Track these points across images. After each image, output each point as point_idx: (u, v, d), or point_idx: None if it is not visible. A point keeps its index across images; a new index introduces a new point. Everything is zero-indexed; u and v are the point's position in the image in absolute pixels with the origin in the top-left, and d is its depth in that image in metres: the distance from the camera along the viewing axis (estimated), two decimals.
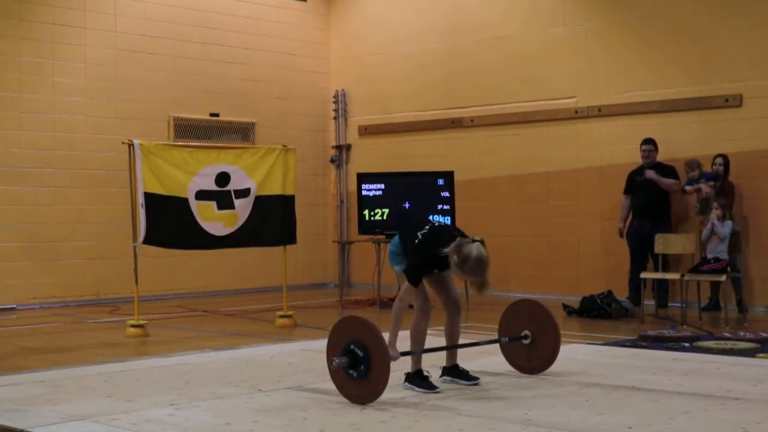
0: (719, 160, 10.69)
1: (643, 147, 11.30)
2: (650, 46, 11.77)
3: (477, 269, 5.67)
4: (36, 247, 11.93)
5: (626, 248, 11.44)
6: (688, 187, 10.91)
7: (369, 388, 5.59)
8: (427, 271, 5.99)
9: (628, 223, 11.44)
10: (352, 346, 5.63)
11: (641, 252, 11.20)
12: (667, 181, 11.13)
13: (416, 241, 5.97)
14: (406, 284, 5.93)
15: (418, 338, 6.02)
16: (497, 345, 6.69)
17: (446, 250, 5.74)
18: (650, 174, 11.14)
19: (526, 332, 6.53)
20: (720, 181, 10.62)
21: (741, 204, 10.88)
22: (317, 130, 14.82)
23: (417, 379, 6.00)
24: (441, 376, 6.27)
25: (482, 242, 5.75)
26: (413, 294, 5.95)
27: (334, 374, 5.78)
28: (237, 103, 13.76)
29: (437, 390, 5.93)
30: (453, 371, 6.28)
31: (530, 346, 6.55)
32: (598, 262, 12.11)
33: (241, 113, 13.82)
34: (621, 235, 11.46)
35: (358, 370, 5.60)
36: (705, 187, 10.56)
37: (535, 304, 6.64)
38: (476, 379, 6.23)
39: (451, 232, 5.99)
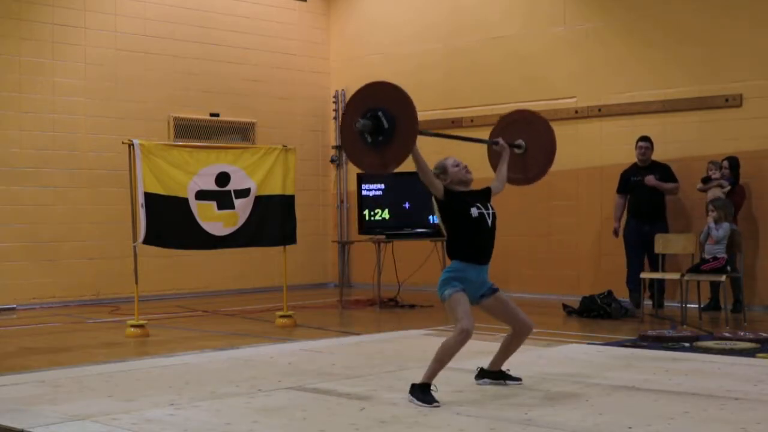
0: (725, 162, 10.63)
1: (640, 144, 11.14)
2: (650, 46, 11.77)
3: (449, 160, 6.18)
4: (36, 247, 11.93)
5: None
6: (701, 185, 10.79)
7: (385, 156, 5.48)
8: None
9: (624, 223, 11.39)
10: (379, 113, 5.47)
11: (639, 252, 11.10)
12: (668, 187, 11.00)
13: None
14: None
15: (443, 356, 5.68)
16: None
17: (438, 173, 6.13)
18: (651, 181, 10.95)
19: (520, 141, 6.48)
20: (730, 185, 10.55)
21: (742, 204, 10.86)
22: (317, 130, 14.82)
23: (419, 392, 5.61)
24: (479, 378, 6.12)
25: None
26: (461, 310, 5.70)
27: (350, 140, 5.62)
28: (237, 103, 13.76)
29: (436, 404, 5.50)
30: (495, 374, 6.14)
31: (524, 155, 6.48)
32: (598, 262, 12.10)
33: (241, 113, 13.82)
34: (616, 234, 11.36)
35: (376, 139, 5.48)
36: (716, 191, 10.47)
37: (530, 113, 6.60)
38: (519, 379, 6.15)
39: None
